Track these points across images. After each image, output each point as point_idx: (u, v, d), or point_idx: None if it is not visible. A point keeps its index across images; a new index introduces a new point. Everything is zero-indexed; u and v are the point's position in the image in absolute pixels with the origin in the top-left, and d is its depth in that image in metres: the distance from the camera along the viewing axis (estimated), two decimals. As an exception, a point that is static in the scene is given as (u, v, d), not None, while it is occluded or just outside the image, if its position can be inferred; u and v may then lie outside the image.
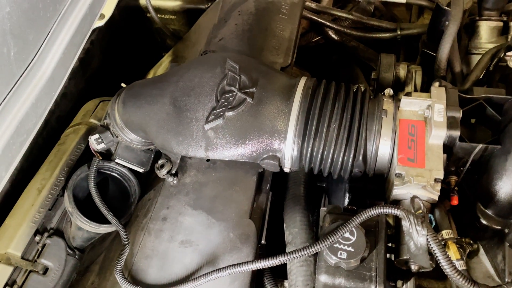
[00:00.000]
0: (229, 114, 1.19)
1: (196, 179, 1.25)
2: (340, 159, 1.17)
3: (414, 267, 1.02)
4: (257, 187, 1.26)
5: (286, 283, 1.28)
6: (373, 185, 1.33)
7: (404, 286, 1.05)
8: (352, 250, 0.97)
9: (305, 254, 0.96)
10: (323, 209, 1.14)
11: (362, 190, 1.38)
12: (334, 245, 0.98)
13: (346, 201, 1.39)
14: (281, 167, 1.22)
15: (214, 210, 1.19)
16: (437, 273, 1.10)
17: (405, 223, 0.94)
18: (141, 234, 1.19)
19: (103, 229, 1.38)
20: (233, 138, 1.19)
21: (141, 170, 1.45)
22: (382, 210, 0.96)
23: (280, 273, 1.31)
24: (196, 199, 1.21)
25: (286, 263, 1.37)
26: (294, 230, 1.28)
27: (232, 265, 1.00)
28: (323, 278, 0.99)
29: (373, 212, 0.96)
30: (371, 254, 0.99)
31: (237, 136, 1.19)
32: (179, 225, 1.17)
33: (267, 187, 1.31)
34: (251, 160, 1.21)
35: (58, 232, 1.39)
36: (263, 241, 1.21)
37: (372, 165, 1.17)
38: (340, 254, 0.97)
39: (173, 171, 1.25)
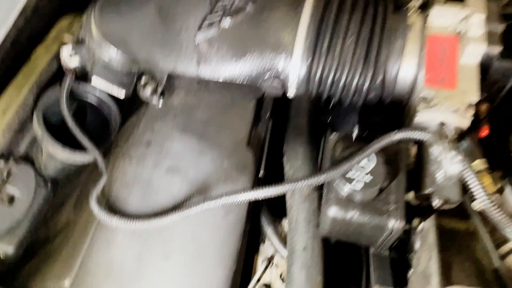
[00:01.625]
0: (226, 23, 1.00)
1: (185, 101, 1.08)
2: (356, 81, 1.00)
3: (437, 202, 0.89)
4: (256, 114, 1.09)
5: (284, 221, 1.15)
6: (383, 118, 1.18)
7: (421, 225, 0.92)
8: (370, 179, 0.83)
9: (314, 182, 0.82)
10: (332, 137, 0.99)
11: (373, 124, 1.23)
12: (348, 174, 0.83)
13: (354, 135, 1.24)
14: (284, 91, 1.05)
15: (206, 135, 1.03)
16: (458, 211, 0.97)
17: (434, 150, 0.79)
18: (121, 161, 1.03)
19: (78, 157, 1.21)
20: (229, 52, 1.01)
21: (121, 95, 1.26)
22: (408, 134, 0.80)
23: (278, 211, 1.18)
24: (185, 123, 1.04)
25: (285, 201, 1.25)
26: (296, 163, 1.13)
27: (228, 192, 0.85)
28: (332, 211, 0.85)
29: (397, 136, 0.81)
30: (390, 186, 0.85)
31: (234, 51, 1.01)
32: (166, 151, 1.01)
33: (267, 115, 1.15)
34: (250, 81, 1.04)
35: (27, 160, 1.22)
36: (261, 173, 1.06)
37: (391, 88, 1.01)
38: (355, 183, 0.82)
39: (159, 91, 1.08)
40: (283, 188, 0.83)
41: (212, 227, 0.91)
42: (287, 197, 1.10)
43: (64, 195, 1.27)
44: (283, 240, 1.09)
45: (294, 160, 1.13)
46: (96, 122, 1.36)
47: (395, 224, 0.82)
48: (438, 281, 0.78)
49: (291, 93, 1.05)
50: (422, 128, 0.80)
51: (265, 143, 1.10)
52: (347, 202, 0.85)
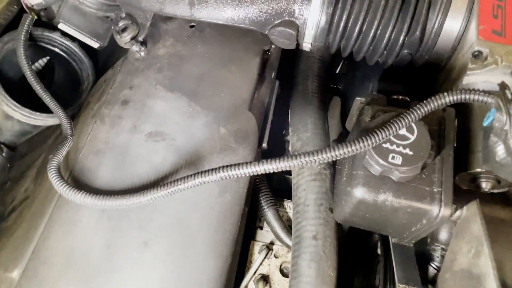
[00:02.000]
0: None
1: (174, 51, 0.87)
2: (388, 33, 0.80)
3: (486, 185, 0.71)
4: (260, 71, 0.89)
5: (287, 203, 0.97)
6: (408, 87, 1.00)
7: (458, 212, 0.75)
8: (411, 153, 0.64)
9: (338, 155, 0.63)
10: (359, 99, 0.79)
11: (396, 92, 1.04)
12: (383, 145, 0.64)
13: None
14: (298, 42, 0.85)
15: (199, 94, 0.82)
16: (503, 198, 0.80)
17: (496, 119, 0.61)
18: (90, 123, 0.82)
19: (39, 119, 0.99)
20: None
21: (95, 45, 1.04)
22: (464, 96, 0.62)
23: (279, 190, 1.00)
24: (173, 78, 0.84)
25: (287, 179, 1.06)
26: (304, 135, 0.94)
27: (225, 166, 0.65)
28: (359, 192, 0.66)
29: (449, 98, 0.62)
30: (434, 162, 0.67)
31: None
32: (147, 111, 0.80)
33: (273, 75, 0.95)
34: (256, 26, 0.83)
35: (-23, 121, 1.00)
36: (264, 145, 0.86)
37: (432, 43, 0.81)
38: (393, 158, 0.64)
39: (140, 38, 0.86)
40: (297, 162, 0.64)
41: (203, 208, 0.72)
42: (293, 175, 0.91)
43: (25, 165, 1.06)
44: (285, 225, 0.91)
45: (303, 130, 0.95)
46: (65, 78, 1.14)
47: (440, 211, 0.64)
48: (497, 285, 0.61)
49: (306, 45, 0.85)
50: (481, 92, 0.61)
51: (270, 109, 0.90)
52: (380, 181, 0.66)
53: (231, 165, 0.65)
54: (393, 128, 0.64)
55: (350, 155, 0.64)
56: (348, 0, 0.79)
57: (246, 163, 0.64)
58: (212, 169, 0.65)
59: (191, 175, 0.66)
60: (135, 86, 0.83)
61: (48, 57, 1.11)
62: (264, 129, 0.88)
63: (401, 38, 0.80)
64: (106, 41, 1.04)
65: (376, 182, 0.66)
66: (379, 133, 0.63)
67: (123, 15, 0.87)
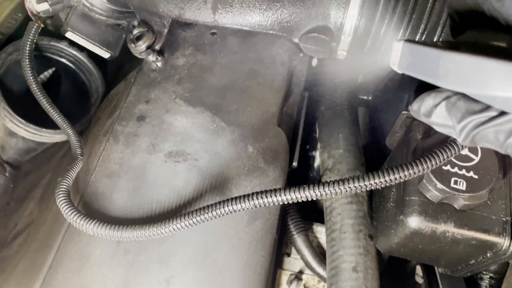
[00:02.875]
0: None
1: (194, 61, 0.79)
2: (436, 38, 0.72)
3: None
4: (288, 82, 0.81)
5: (317, 227, 0.88)
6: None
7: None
8: (476, 176, 0.55)
9: (395, 179, 0.54)
10: (405, 113, 0.71)
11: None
12: (443, 168, 0.56)
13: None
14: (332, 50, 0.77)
15: (223, 108, 0.74)
16: None
17: None
18: (103, 141, 0.73)
19: (45, 135, 0.91)
20: (257, -5, 0.71)
21: (106, 55, 0.96)
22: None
23: (308, 212, 0.91)
24: (193, 90, 0.75)
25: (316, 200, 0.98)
26: (336, 152, 0.85)
27: (259, 193, 0.56)
28: (414, 222, 0.57)
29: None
30: (500, 187, 0.58)
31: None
32: (166, 128, 0.72)
33: (301, 86, 0.86)
34: (286, 32, 0.75)
35: (-22, 138, 0.93)
36: (294, 163, 0.78)
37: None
38: (456, 183, 0.55)
39: (157, 46, 0.78)
40: (344, 188, 0.55)
41: (232, 239, 0.63)
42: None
43: (29, 184, 0.98)
44: (317, 253, 0.82)
45: (334, 147, 0.86)
46: (73, 91, 1.07)
47: (511, 244, 0.55)
48: None
49: (340, 54, 0.77)
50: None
51: (300, 124, 0.82)
52: (439, 209, 0.57)
53: (266, 192, 0.56)
54: (455, 148, 0.55)
55: (406, 179, 0.55)
56: (391, 2, 0.71)
57: (285, 189, 0.55)
58: (244, 196, 0.56)
59: (220, 203, 0.57)
60: (152, 100, 0.75)
61: (54, 68, 1.04)
62: (293, 145, 0.79)
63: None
64: (117, 51, 0.96)
65: (435, 210, 0.57)
66: (439, 154, 0.54)
67: (137, 22, 0.79)
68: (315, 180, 1.09)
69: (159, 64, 0.78)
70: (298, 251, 0.83)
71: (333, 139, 0.87)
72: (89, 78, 1.04)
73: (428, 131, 0.61)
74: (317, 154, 1.09)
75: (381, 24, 0.72)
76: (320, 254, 0.83)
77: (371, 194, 0.81)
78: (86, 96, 1.04)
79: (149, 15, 0.79)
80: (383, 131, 1.03)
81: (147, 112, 0.74)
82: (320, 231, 0.88)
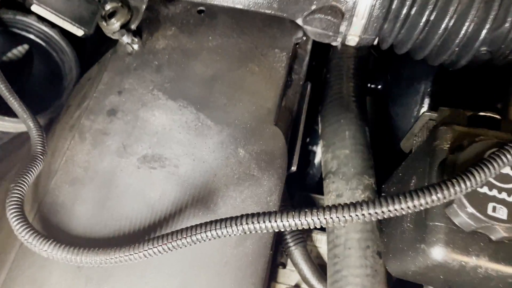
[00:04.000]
0: None
1: (177, 44, 0.66)
2: (467, 24, 0.59)
3: None
4: (288, 71, 0.69)
5: (317, 234, 0.78)
6: (474, 89, 0.80)
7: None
8: (520, 203, 0.44)
9: (420, 205, 0.43)
10: (427, 115, 0.59)
11: (453, 98, 0.83)
12: (479, 190, 0.45)
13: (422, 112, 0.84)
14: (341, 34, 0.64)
15: (210, 103, 0.62)
16: None
17: None
18: (68, 137, 0.62)
19: (8, 124, 0.80)
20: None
21: (79, 32, 0.83)
22: None
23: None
24: (175, 80, 0.63)
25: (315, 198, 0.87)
26: (341, 152, 0.74)
27: (250, 216, 0.45)
28: (439, 254, 0.47)
29: None
30: (545, 213, 0.47)
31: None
32: (141, 126, 0.60)
33: (303, 75, 0.74)
34: (287, 12, 0.62)
35: None
36: (293, 167, 0.67)
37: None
38: (494, 210, 0.44)
39: (133, 26, 0.65)
40: (356, 215, 0.44)
41: (216, 264, 0.53)
42: (328, 203, 0.72)
43: (-6, 177, 0.87)
44: (317, 267, 0.72)
45: (340, 146, 0.75)
46: (44, 73, 0.94)
47: (558, 286, 0.45)
48: None
49: (351, 39, 0.64)
50: None
51: (300, 120, 0.70)
52: (470, 239, 0.46)
53: (259, 215, 0.45)
54: (496, 167, 0.44)
55: (434, 204, 0.44)
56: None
57: (282, 213, 0.44)
58: (232, 219, 0.45)
59: (201, 226, 0.46)
60: (125, 91, 0.63)
61: (26, 45, 0.91)
62: (293, 146, 0.68)
63: (484, 31, 0.59)
64: (92, 28, 0.83)
65: (465, 240, 0.46)
66: (477, 173, 0.43)
67: (111, -5, 0.66)
68: (315, 178, 0.98)
69: (135, 46, 0.66)
70: (295, 265, 0.73)
71: (338, 137, 0.76)
72: (62, 58, 0.92)
73: (460, 142, 0.50)
74: (318, 149, 0.98)
75: (403, 4, 0.59)
76: (320, 266, 0.73)
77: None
78: (59, 78, 0.92)
79: (123, -13, 0.66)
80: (395, 127, 0.92)
81: (119, 105, 0.62)
82: (320, 239, 0.78)
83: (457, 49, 0.62)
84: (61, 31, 0.87)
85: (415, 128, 0.62)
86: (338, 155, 0.74)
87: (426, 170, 0.52)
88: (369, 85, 0.99)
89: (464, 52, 0.63)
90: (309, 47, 0.74)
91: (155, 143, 0.58)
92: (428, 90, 0.83)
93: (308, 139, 0.99)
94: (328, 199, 0.73)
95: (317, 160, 0.96)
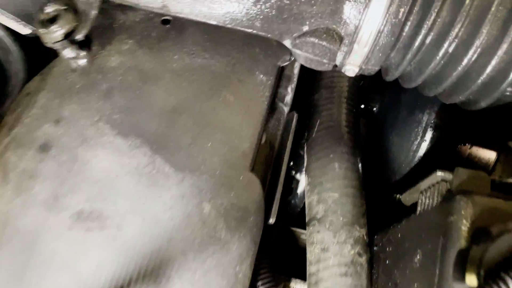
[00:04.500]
0: None
1: (133, 63, 0.53)
2: (494, 60, 0.48)
3: None
4: (271, 100, 0.56)
5: (296, 284, 0.68)
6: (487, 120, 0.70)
7: None
8: None
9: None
10: (440, 175, 0.48)
11: (458, 127, 0.72)
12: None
13: (423, 147, 0.73)
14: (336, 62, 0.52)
15: (170, 142, 0.49)
16: None
17: None
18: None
19: None
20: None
21: (25, 31, 0.69)
22: None
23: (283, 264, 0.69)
24: (128, 111, 0.50)
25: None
26: (329, 195, 0.63)
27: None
28: None
29: None
30: None
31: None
32: (79, 171, 0.47)
33: (288, 100, 0.62)
34: (272, 32, 0.50)
35: None
36: (271, 220, 0.55)
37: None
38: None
39: (80, 36, 0.52)
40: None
41: None
42: (311, 256, 0.61)
43: None
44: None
45: (328, 188, 0.64)
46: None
47: None
48: None
49: (350, 69, 0.52)
50: None
51: (283, 159, 0.58)
52: None
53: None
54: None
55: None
56: (431, 4, 0.46)
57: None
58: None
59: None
60: (64, 120, 0.49)
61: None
62: (272, 191, 0.56)
63: (512, 71, 0.48)
64: (40, 25, 0.69)
65: None
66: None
67: (52, -5, 0.52)
68: (297, 209, 0.87)
69: (81, 62, 0.52)
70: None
71: (326, 177, 0.64)
72: (7, 58, 0.78)
73: (485, 222, 0.39)
74: (302, 177, 0.86)
75: (417, 32, 0.48)
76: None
77: (371, 260, 0.60)
78: (1, 81, 0.78)
79: (68, -14, 0.52)
80: (390, 158, 0.81)
81: (54, 139, 0.48)
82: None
83: (477, 89, 0.51)
84: (6, 27, 0.74)
85: (421, 185, 0.51)
86: (325, 198, 0.63)
87: (437, 252, 0.41)
88: (363, 105, 0.88)
89: (486, 93, 0.51)
90: (296, 69, 0.62)
91: (95, 195, 0.45)
92: (432, 122, 0.73)
93: (291, 163, 0.88)
94: (311, 251, 0.61)
95: (300, 189, 0.85)
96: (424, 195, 0.49)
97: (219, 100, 0.51)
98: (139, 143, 0.48)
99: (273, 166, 0.58)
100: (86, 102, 0.50)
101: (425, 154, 0.73)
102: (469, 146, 0.76)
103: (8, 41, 0.76)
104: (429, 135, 0.73)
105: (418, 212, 0.50)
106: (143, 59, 0.52)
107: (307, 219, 0.65)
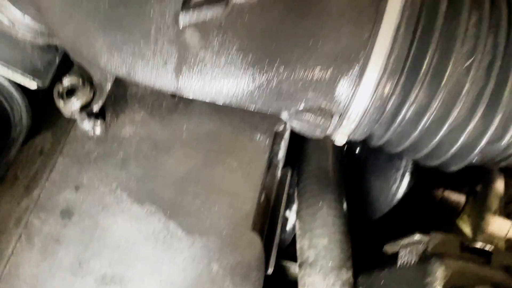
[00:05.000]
0: (242, -3, 0.51)
1: (146, 133, 0.58)
2: (463, 137, 0.56)
3: None
4: (269, 163, 0.63)
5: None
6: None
7: None
8: None
9: None
10: (418, 239, 0.55)
11: (432, 174, 0.81)
12: None
13: (401, 191, 0.81)
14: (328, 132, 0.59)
15: (182, 208, 0.55)
16: None
17: None
18: (13, 234, 0.53)
19: None
20: (240, 52, 0.52)
21: (32, 85, 0.73)
22: None
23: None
24: (143, 179, 0.55)
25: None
26: (319, 241, 0.70)
27: None
28: None
29: None
30: None
31: (250, 50, 0.52)
32: (101, 237, 0.52)
33: (282, 155, 0.68)
34: (270, 108, 0.56)
35: None
36: (269, 270, 0.61)
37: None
38: None
39: (96, 107, 0.57)
40: None
41: None
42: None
43: None
44: None
45: (318, 234, 0.71)
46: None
47: None
48: None
49: (339, 139, 0.59)
50: None
51: (278, 212, 0.64)
52: None
53: None
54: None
55: None
56: (415, 85, 0.54)
57: None
58: None
59: None
60: (83, 186, 0.54)
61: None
62: (269, 242, 0.62)
63: (480, 145, 0.56)
64: (47, 80, 0.73)
65: None
66: None
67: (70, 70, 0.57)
68: (286, 243, 0.93)
69: (98, 130, 0.58)
70: None
71: (316, 223, 0.71)
72: (11, 105, 0.82)
73: (455, 283, 0.46)
74: (291, 215, 0.92)
75: (399, 111, 0.55)
76: None
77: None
78: (6, 127, 0.82)
79: (87, 63, 0.57)
80: (371, 200, 0.88)
81: (75, 205, 0.53)
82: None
83: (448, 158, 0.59)
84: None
85: (404, 240, 0.58)
86: (315, 244, 0.70)
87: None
88: (346, 147, 0.96)
89: (456, 161, 0.59)
90: (289, 128, 0.68)
91: (116, 260, 0.51)
92: (409, 168, 0.81)
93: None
94: (302, 293, 0.68)
95: (289, 226, 0.91)
96: (404, 251, 0.57)
97: (224, 167, 0.58)
98: (154, 209, 0.53)
99: (270, 218, 0.64)
100: (103, 170, 0.55)
101: (403, 197, 0.81)
102: (442, 190, 0.84)
103: (11, 89, 0.79)
104: (406, 180, 0.81)
105: (398, 265, 0.58)
106: (155, 129, 0.57)
107: (298, 262, 0.72)
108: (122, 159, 0.56)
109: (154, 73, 0.52)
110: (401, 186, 0.81)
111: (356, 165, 0.97)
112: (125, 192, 0.54)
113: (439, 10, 0.53)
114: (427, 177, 0.81)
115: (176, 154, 0.57)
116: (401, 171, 0.81)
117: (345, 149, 0.93)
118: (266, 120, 0.62)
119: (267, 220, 0.64)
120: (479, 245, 0.53)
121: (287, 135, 0.70)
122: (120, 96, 0.60)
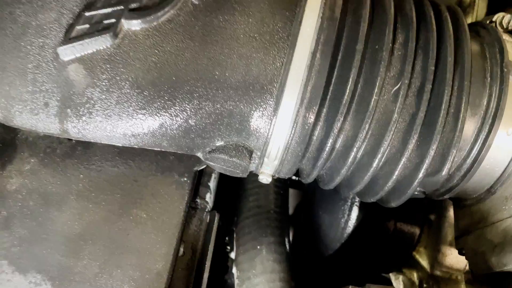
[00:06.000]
0: (133, 24, 0.44)
1: (36, 184, 0.49)
2: (398, 170, 0.49)
3: None
4: (187, 210, 0.55)
5: None
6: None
7: None
8: None
9: None
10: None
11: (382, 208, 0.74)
12: None
13: (351, 224, 0.75)
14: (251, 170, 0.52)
15: (75, 274, 0.46)
16: None
17: None
18: None
19: None
20: (134, 91, 0.45)
21: None
22: None
23: None
24: (28, 241, 0.46)
25: None
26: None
27: None
28: None
29: None
30: None
31: (146, 88, 0.45)
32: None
33: (210, 197, 0.61)
34: (181, 149, 0.49)
35: None
36: None
37: (459, 184, 0.52)
38: None
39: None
40: None
41: None
42: None
43: None
44: None
45: (255, 283, 0.63)
46: None
47: None
48: None
49: (263, 178, 0.52)
50: None
51: (205, 265, 0.56)
52: None
53: None
54: None
55: None
56: (337, 116, 0.47)
57: None
58: None
59: None
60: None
61: None
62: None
63: (417, 178, 0.49)
64: None
65: None
66: None
67: None
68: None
69: (-23, 185, 0.49)
70: None
71: (254, 271, 0.64)
72: None
73: None
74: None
75: (323, 144, 0.48)
76: None
77: None
78: None
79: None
80: (321, 234, 0.81)
81: None
82: None
83: (386, 193, 0.52)
84: None
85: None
86: (254, 294, 0.62)
87: None
88: (293, 177, 0.89)
89: (395, 196, 0.53)
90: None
91: None
92: (356, 200, 0.74)
93: (226, 239, 0.86)
94: None
95: (234, 270, 0.83)
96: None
97: (129, 220, 0.49)
98: (40, 279, 0.44)
99: (196, 268, 0.56)
100: (-19, 233, 0.46)
101: (353, 231, 0.74)
102: (393, 222, 0.78)
103: None
104: (354, 213, 0.75)
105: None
106: (46, 181, 0.49)
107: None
108: (5, 218, 0.47)
109: (34, 117, 0.44)
110: (350, 219, 0.74)
111: (305, 197, 0.90)
112: (6, 260, 0.45)
113: (360, 32, 0.47)
114: (376, 209, 0.75)
115: (70, 210, 0.48)
116: (348, 204, 0.75)
117: (288, 182, 0.87)
118: (183, 160, 0.55)
119: (193, 272, 0.55)
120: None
121: (215, 173, 0.63)
122: (8, 142, 0.51)
